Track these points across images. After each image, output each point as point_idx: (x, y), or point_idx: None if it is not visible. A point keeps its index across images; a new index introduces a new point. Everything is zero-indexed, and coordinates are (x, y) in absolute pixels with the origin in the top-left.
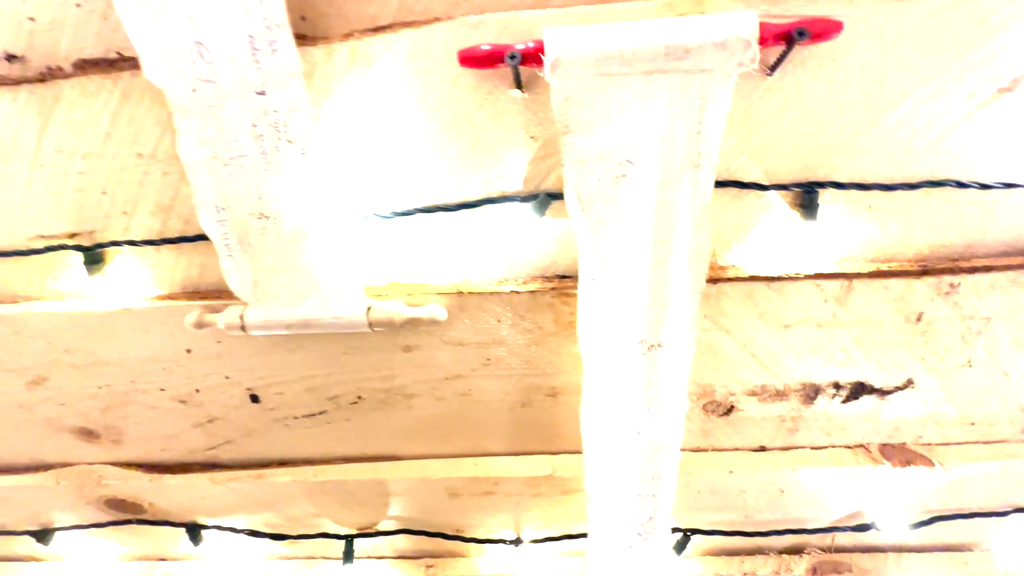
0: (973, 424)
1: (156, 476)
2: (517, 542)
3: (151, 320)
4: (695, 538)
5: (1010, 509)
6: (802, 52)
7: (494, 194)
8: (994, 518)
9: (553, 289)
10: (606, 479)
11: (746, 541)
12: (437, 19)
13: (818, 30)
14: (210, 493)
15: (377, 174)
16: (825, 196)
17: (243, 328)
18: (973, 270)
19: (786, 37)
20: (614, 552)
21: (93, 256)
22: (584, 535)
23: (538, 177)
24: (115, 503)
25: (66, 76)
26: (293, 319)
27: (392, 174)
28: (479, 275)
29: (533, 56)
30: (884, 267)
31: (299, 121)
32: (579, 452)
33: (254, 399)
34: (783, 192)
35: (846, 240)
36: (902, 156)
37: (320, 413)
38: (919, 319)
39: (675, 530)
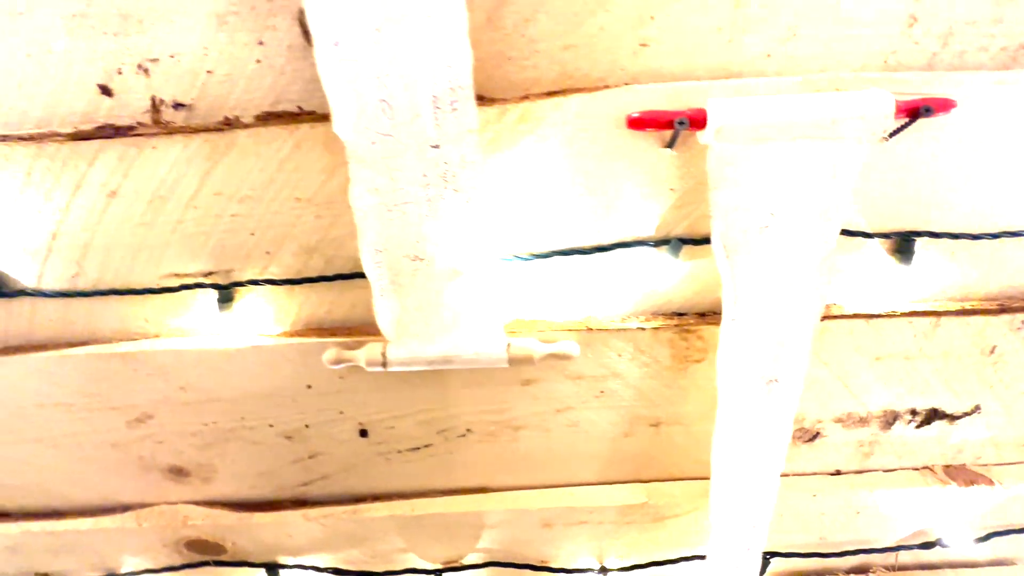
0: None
1: (245, 514)
2: (603, 571)
3: (278, 357)
4: (774, 561)
5: None
6: (918, 123)
7: (628, 238)
8: None
9: (675, 326)
10: (729, 506)
11: (817, 562)
12: (606, 86)
13: (938, 107)
14: (299, 530)
15: (526, 219)
16: (920, 243)
17: (384, 364)
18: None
19: (913, 112)
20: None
21: (227, 294)
22: (668, 562)
23: (671, 224)
24: (196, 544)
25: (244, 126)
26: (435, 355)
27: (539, 220)
28: (603, 312)
29: (697, 122)
30: (967, 305)
31: (468, 173)
32: (672, 480)
33: (363, 434)
34: (883, 239)
35: (933, 281)
36: (986, 210)
37: (425, 446)
38: (992, 351)
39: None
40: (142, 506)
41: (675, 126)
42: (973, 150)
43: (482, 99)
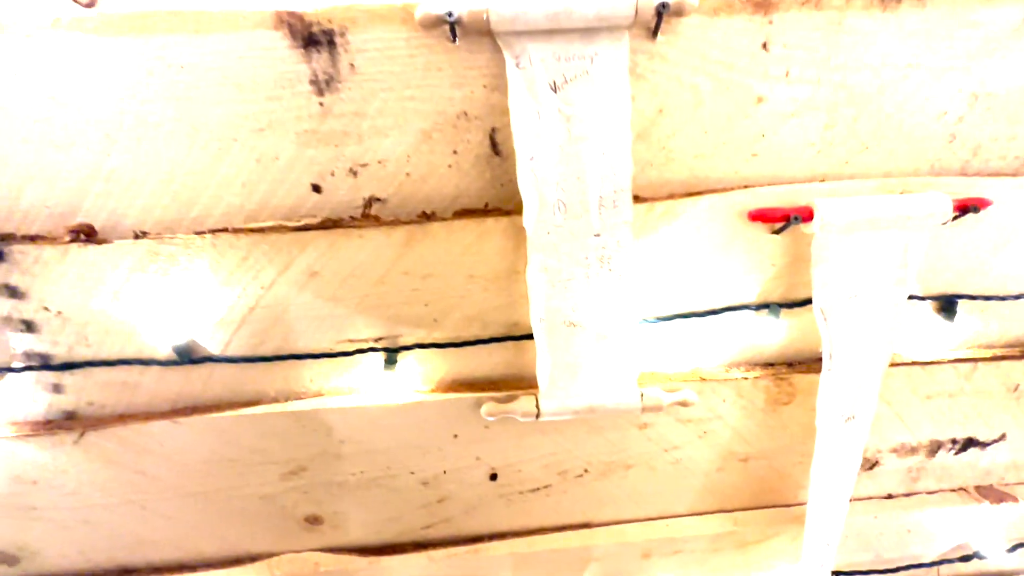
0: None
1: (374, 559)
2: None
3: (434, 411)
4: None
5: None
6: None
7: (735, 303)
8: None
9: (771, 375)
10: (817, 530)
11: None
12: (728, 188)
13: (981, 205)
14: (423, 572)
15: (660, 290)
16: (961, 304)
17: (537, 415)
18: None
19: (963, 208)
20: None
21: (392, 357)
22: None
23: (771, 291)
24: None
25: (441, 219)
26: (580, 407)
27: (669, 290)
28: (709, 363)
29: (806, 215)
30: (997, 352)
31: (622, 256)
32: (754, 508)
33: (493, 477)
34: (933, 301)
35: (971, 333)
36: (1011, 278)
37: (545, 487)
38: (1016, 389)
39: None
40: (270, 555)
41: (790, 219)
42: (1000, 233)
43: (636, 198)
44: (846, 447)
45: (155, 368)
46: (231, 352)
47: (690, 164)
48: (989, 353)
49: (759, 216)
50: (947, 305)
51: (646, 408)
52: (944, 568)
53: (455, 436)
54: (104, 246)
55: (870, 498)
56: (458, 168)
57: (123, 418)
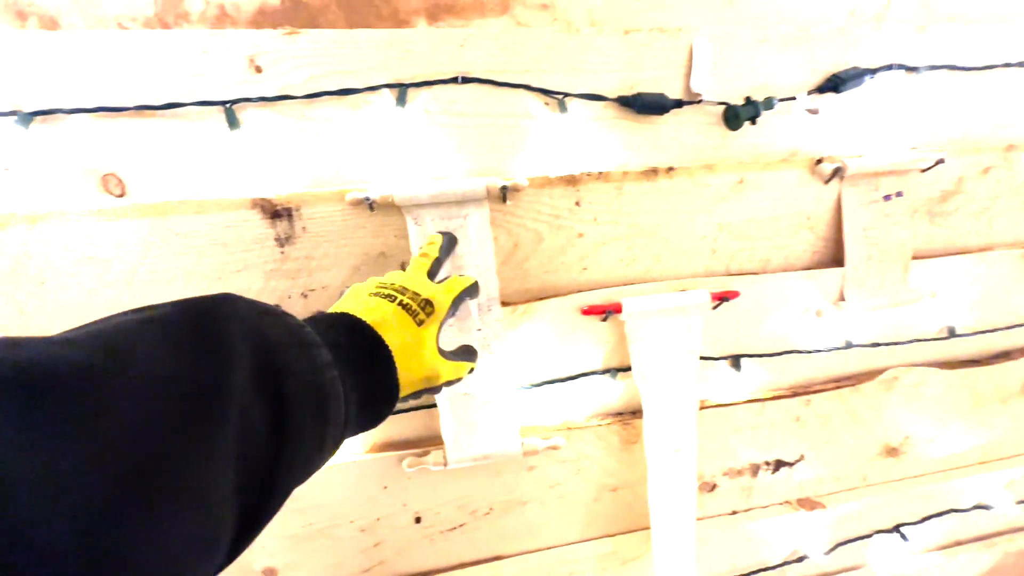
0: (839, 478)
1: None
2: None
3: (367, 468)
4: None
5: (872, 532)
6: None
7: (587, 371)
8: (866, 539)
9: (620, 421)
10: (665, 546)
11: None
12: (568, 292)
13: (732, 296)
14: None
15: (530, 366)
16: (744, 361)
17: (445, 464)
18: (821, 390)
19: (721, 298)
20: None
21: None
22: None
23: (608, 361)
24: None
25: None
26: (478, 455)
27: (537, 365)
28: (575, 416)
29: (617, 309)
30: (778, 393)
31: (497, 343)
32: (630, 531)
33: (417, 520)
34: (727, 359)
35: (756, 381)
36: (777, 337)
37: (460, 525)
38: (797, 419)
39: None
40: None
41: (608, 313)
42: (758, 311)
43: (504, 303)
44: (679, 473)
45: None
46: None
47: (540, 278)
48: (772, 394)
49: (588, 311)
50: (735, 362)
51: (527, 453)
52: (788, 570)
53: (384, 487)
54: None
55: (719, 515)
56: None
57: None
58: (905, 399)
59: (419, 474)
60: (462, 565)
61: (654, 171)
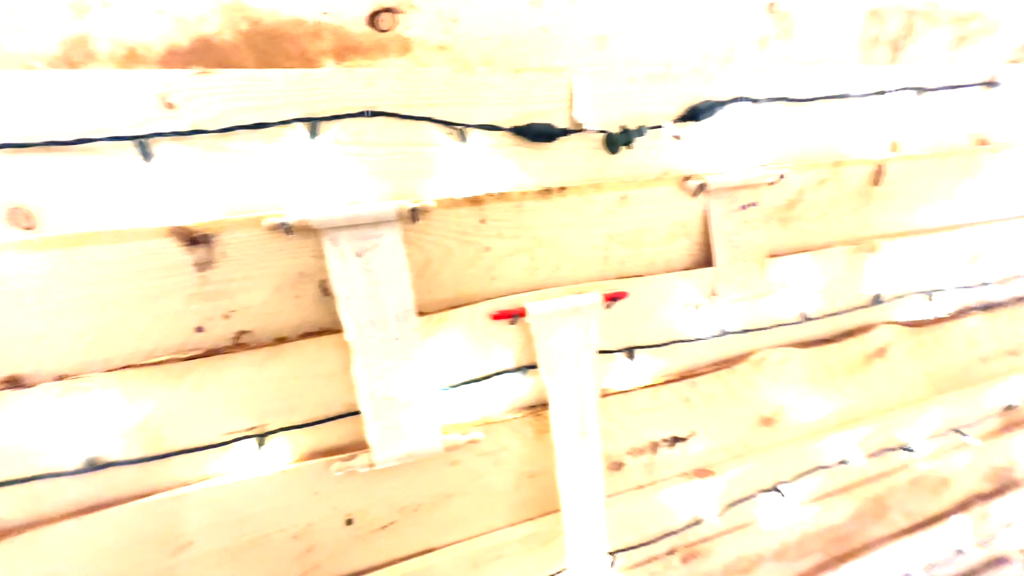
0: (726, 448)
1: None
2: None
3: (297, 476)
4: (618, 555)
5: (756, 492)
6: (617, 302)
7: (502, 369)
8: (751, 500)
9: (532, 413)
10: (576, 521)
11: (646, 550)
12: (479, 300)
13: (622, 296)
14: None
15: (448, 368)
16: (638, 351)
17: (372, 465)
18: (704, 373)
19: (612, 298)
20: (582, 569)
21: (263, 441)
22: (558, 573)
23: (520, 360)
24: None
25: (290, 341)
26: (402, 454)
27: (454, 367)
28: (492, 411)
29: (522, 313)
30: (668, 378)
31: (415, 350)
32: (550, 513)
33: (349, 522)
34: (623, 352)
35: (650, 368)
36: (664, 329)
37: (392, 523)
38: (687, 400)
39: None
40: None
41: (514, 316)
42: (646, 308)
43: (420, 313)
44: (585, 456)
45: (64, 478)
46: (132, 456)
47: (453, 288)
48: (664, 379)
49: (498, 316)
50: (630, 353)
51: (448, 448)
52: (689, 533)
53: (315, 493)
54: (29, 389)
55: (627, 491)
56: (300, 307)
57: (30, 525)
58: (772, 376)
59: (348, 477)
60: (395, 561)
61: (548, 191)
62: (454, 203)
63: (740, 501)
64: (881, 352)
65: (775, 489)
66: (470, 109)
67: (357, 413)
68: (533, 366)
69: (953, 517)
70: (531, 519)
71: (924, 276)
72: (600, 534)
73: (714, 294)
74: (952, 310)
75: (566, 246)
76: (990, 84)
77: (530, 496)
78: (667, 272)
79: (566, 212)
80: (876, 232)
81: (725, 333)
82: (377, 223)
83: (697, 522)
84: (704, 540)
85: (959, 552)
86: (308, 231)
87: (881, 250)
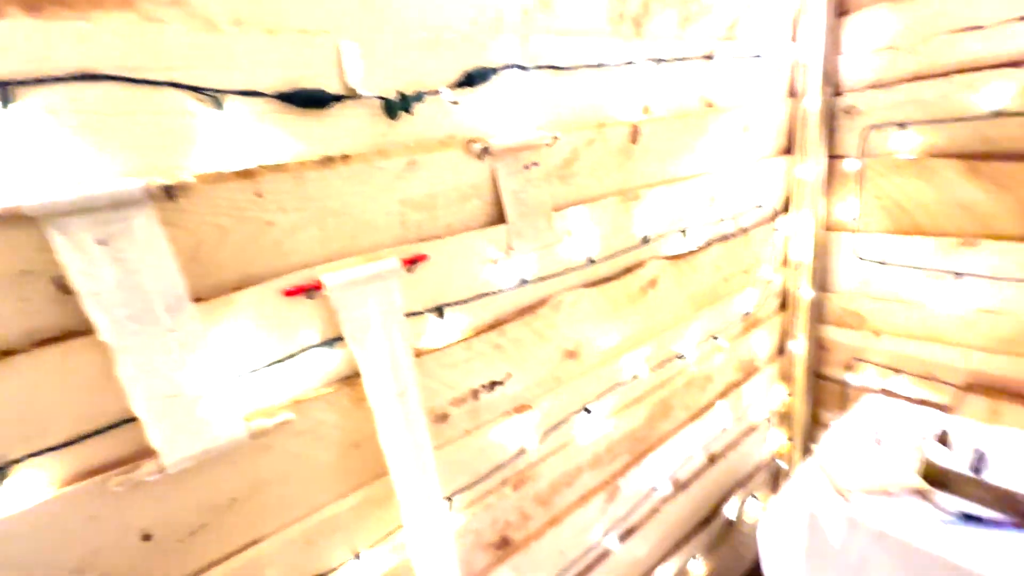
0: (539, 383)
1: None
2: (356, 556)
3: (62, 504)
4: (455, 497)
5: (569, 415)
6: (419, 265)
7: (308, 345)
8: (565, 423)
9: (347, 384)
10: (405, 478)
11: (480, 487)
12: (268, 279)
13: (421, 259)
14: None
15: (243, 352)
16: (447, 309)
17: (162, 470)
18: (510, 320)
19: (412, 261)
20: (419, 519)
21: (4, 475)
22: (397, 530)
23: (326, 333)
24: None
25: (21, 351)
26: (198, 451)
27: (249, 351)
28: (304, 389)
29: (317, 286)
30: (478, 330)
31: (196, 340)
32: (381, 477)
33: (147, 538)
34: (432, 312)
35: (458, 324)
36: (469, 285)
37: (202, 526)
38: (498, 347)
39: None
40: None
41: (310, 291)
42: (449, 268)
43: (200, 299)
44: (406, 413)
45: None
46: None
47: (238, 269)
48: (474, 331)
49: (291, 292)
50: (439, 312)
51: (255, 435)
52: (517, 463)
53: (93, 517)
54: None
55: (456, 438)
56: (28, 310)
57: None
58: (570, 315)
59: (134, 490)
60: (216, 563)
61: (330, 159)
62: (221, 178)
63: (556, 426)
64: (653, 283)
65: (584, 410)
66: (223, 73)
67: (129, 421)
68: (340, 338)
69: (718, 403)
70: (363, 485)
71: (678, 217)
72: (432, 483)
73: (510, 248)
74: (701, 243)
75: (359, 215)
76: (708, 57)
77: (358, 464)
78: (465, 232)
79: (353, 181)
80: (638, 184)
81: (524, 282)
82: (120, 205)
83: (522, 452)
84: (531, 466)
85: (724, 430)
86: (23, 221)
87: (643, 199)
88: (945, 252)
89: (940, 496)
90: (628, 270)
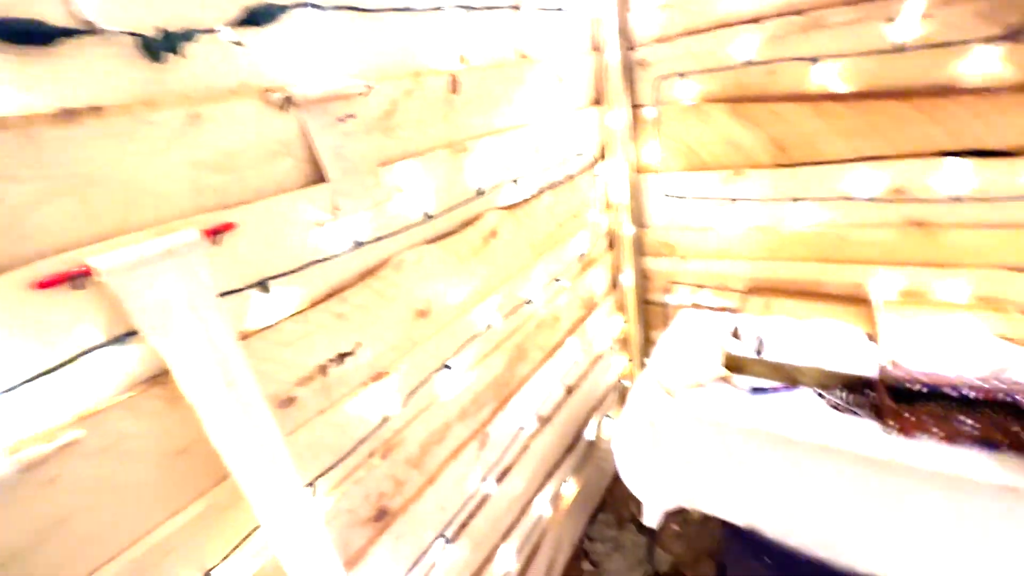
0: (394, 347)
1: None
2: (207, 575)
3: None
4: (318, 482)
5: (429, 375)
6: (226, 235)
7: (91, 346)
8: (426, 382)
9: (156, 383)
10: (252, 475)
11: (345, 464)
12: (6, 269)
13: (227, 228)
14: None
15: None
16: (272, 283)
17: None
18: (350, 285)
19: (215, 232)
20: (278, 515)
21: None
22: (255, 531)
23: (114, 328)
24: None
25: None
26: None
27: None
28: (95, 399)
29: (87, 272)
30: (312, 301)
31: None
32: (222, 481)
33: None
34: (254, 287)
35: (289, 296)
36: (296, 254)
37: None
38: (341, 316)
39: (307, 485)
40: None
41: (77, 278)
42: (268, 235)
43: None
44: (242, 403)
45: None
46: None
47: None
48: (310, 303)
49: (47, 283)
50: (263, 286)
51: (28, 468)
52: (381, 432)
53: None
54: None
55: (310, 419)
56: None
57: None
58: (414, 273)
59: None
60: None
61: (72, 113)
62: None
63: (418, 387)
64: (493, 233)
65: (444, 366)
66: None
67: None
68: (135, 332)
69: (568, 340)
70: (202, 495)
71: (508, 168)
72: (288, 473)
73: (337, 209)
74: (533, 191)
75: (133, 181)
76: (515, 8)
77: (189, 472)
78: (280, 194)
79: (115, 139)
80: (465, 136)
81: (360, 244)
82: None
83: (386, 419)
84: (397, 432)
85: (576, 362)
86: None
87: (472, 150)
88: (724, 183)
89: (737, 379)
90: (467, 223)
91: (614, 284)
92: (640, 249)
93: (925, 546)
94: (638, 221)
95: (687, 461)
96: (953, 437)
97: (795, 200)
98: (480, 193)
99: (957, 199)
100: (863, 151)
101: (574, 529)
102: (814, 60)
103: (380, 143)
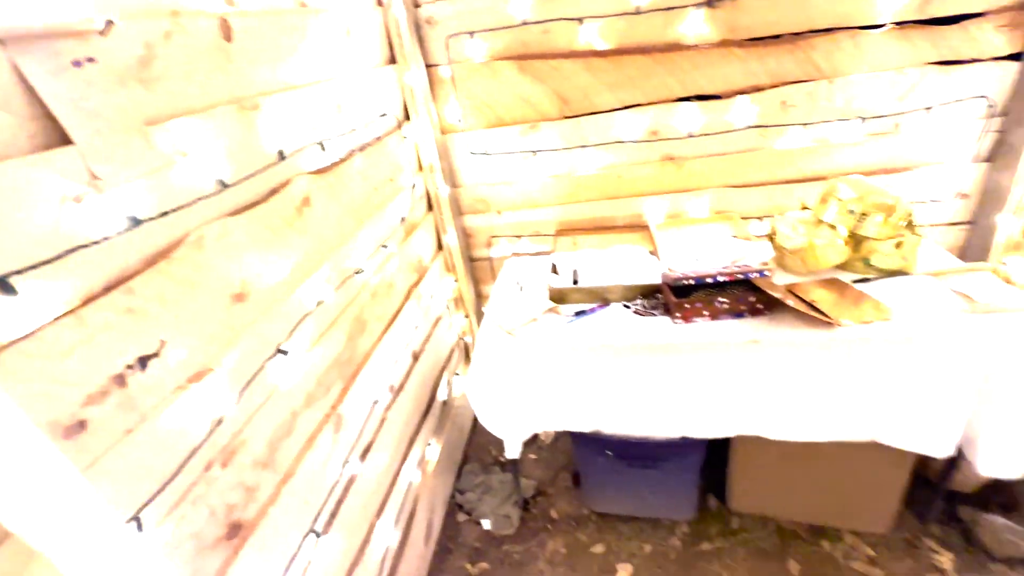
0: (210, 339)
1: None
2: None
3: None
4: (144, 513)
5: (264, 362)
6: None
7: None
8: (266, 364)
9: None
10: (39, 529)
11: (176, 483)
12: None
13: None
14: None
15: None
16: (17, 279)
17: None
18: (137, 273)
19: None
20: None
21: None
22: None
23: None
24: None
25: None
26: None
27: None
28: None
29: None
30: (86, 297)
31: None
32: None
33: None
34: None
35: (49, 295)
36: (43, 240)
37: None
38: (131, 311)
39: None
40: None
41: None
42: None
43: None
44: None
45: None
46: None
47: None
48: (83, 299)
49: None
50: (3, 286)
51: None
52: (215, 437)
53: None
54: None
55: (116, 444)
56: None
57: None
58: (220, 251)
59: None
60: None
61: None
62: None
63: (252, 379)
64: (306, 201)
65: (279, 352)
66: None
67: None
68: None
69: (405, 307)
70: None
71: (311, 128)
72: (97, 515)
73: (96, 178)
74: (342, 154)
75: None
76: None
77: None
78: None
79: None
80: (252, 91)
81: (138, 222)
82: None
83: (220, 422)
84: (236, 434)
85: (417, 327)
86: None
87: (263, 108)
88: (522, 136)
89: (562, 308)
90: (274, 191)
91: (440, 245)
92: (458, 208)
93: (708, 399)
94: (451, 181)
95: (534, 389)
96: (716, 315)
97: (582, 147)
98: (282, 157)
99: (692, 136)
100: (625, 100)
101: (444, 487)
102: (580, 20)
103: (140, 96)
